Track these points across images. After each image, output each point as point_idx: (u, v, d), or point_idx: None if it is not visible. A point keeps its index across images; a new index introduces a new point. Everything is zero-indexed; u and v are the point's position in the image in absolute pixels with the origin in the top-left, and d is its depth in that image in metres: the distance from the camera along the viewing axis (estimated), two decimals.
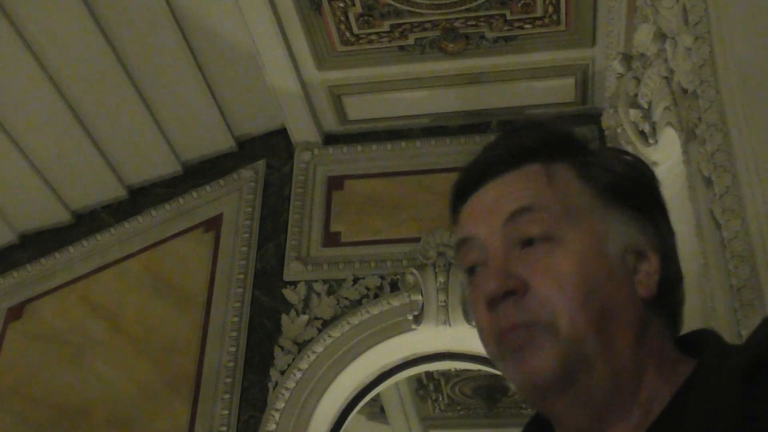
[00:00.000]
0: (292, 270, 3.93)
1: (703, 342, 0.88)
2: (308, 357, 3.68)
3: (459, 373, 6.42)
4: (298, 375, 3.66)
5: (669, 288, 0.92)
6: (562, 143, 0.95)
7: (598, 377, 0.84)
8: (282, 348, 3.75)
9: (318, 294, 3.85)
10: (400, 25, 3.74)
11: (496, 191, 0.92)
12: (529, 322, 0.84)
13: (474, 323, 0.98)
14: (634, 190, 0.94)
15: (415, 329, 3.68)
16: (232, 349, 3.76)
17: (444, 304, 3.63)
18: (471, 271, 0.92)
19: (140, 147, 4.28)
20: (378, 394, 4.68)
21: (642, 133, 2.99)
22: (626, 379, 0.85)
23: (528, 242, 0.88)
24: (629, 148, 3.17)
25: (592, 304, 0.85)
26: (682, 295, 0.94)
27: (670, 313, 0.92)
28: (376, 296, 3.80)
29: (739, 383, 0.75)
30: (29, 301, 4.16)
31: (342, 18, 3.70)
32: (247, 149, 4.41)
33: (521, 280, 0.86)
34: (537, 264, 0.86)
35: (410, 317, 3.68)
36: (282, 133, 4.33)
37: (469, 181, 0.95)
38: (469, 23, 3.72)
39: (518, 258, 0.87)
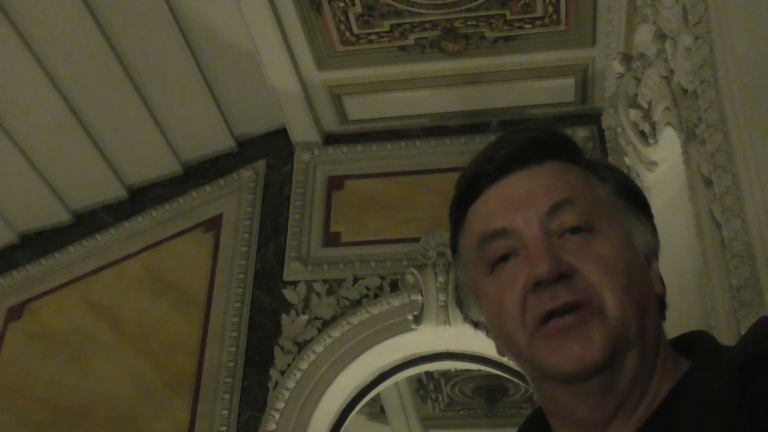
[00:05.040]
0: (292, 270, 3.93)
1: (697, 343, 0.90)
2: (308, 357, 3.68)
3: (459, 373, 6.42)
4: (298, 375, 3.66)
5: (664, 297, 0.95)
6: (574, 146, 0.97)
7: (631, 363, 0.85)
8: (282, 348, 3.75)
9: (318, 294, 3.85)
10: (400, 25, 3.74)
11: (526, 183, 0.91)
12: (579, 302, 0.84)
13: (478, 313, 0.96)
14: (642, 197, 0.97)
15: (415, 329, 3.68)
16: (232, 349, 3.76)
17: (444, 304, 3.63)
18: (501, 260, 0.90)
19: (140, 147, 4.28)
20: (378, 394, 4.68)
21: (642, 133, 2.99)
22: (646, 370, 0.86)
23: (569, 231, 0.88)
24: (629, 149, 3.17)
25: (633, 290, 0.86)
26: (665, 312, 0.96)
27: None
28: (376, 296, 3.80)
29: (732, 381, 0.76)
30: (29, 301, 4.16)
31: (342, 18, 3.70)
32: (247, 149, 4.41)
33: (569, 265, 0.86)
34: (580, 250, 0.87)
35: (410, 317, 3.68)
36: (282, 133, 4.33)
37: (488, 173, 0.93)
38: (469, 23, 3.72)
39: (559, 245, 0.87)
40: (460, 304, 1.00)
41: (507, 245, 0.89)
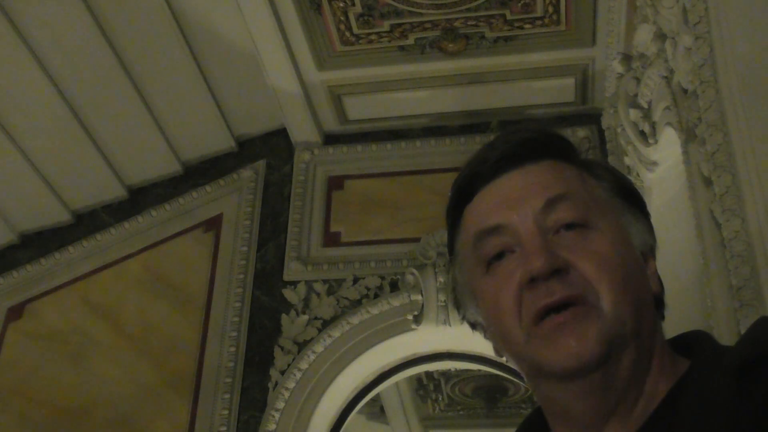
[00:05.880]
0: (292, 270, 3.93)
1: (696, 343, 0.89)
2: (308, 357, 3.68)
3: (459, 373, 6.42)
4: (298, 375, 3.66)
5: (662, 295, 0.94)
6: (569, 146, 0.97)
7: (627, 360, 0.84)
8: (282, 348, 3.75)
9: (318, 294, 3.85)
10: (400, 25, 3.74)
11: (521, 181, 0.91)
12: (575, 297, 0.83)
13: (476, 313, 0.96)
14: (638, 196, 0.97)
15: (415, 329, 3.68)
16: (232, 349, 3.76)
17: (444, 304, 3.63)
18: (496, 258, 0.90)
19: (140, 147, 4.28)
20: (378, 394, 4.68)
21: (642, 133, 2.99)
22: (642, 368, 0.86)
23: (564, 227, 0.88)
24: (629, 149, 3.17)
25: (629, 287, 0.86)
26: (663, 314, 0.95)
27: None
28: (376, 296, 3.80)
29: (731, 381, 0.76)
30: (29, 301, 4.16)
31: (342, 18, 3.70)
32: (247, 149, 4.41)
33: (564, 260, 0.85)
34: (576, 246, 0.86)
35: (410, 317, 3.68)
36: (282, 133, 4.33)
37: (483, 173, 0.93)
38: (469, 23, 3.72)
39: (555, 241, 0.87)
40: (458, 304, 0.99)
41: (502, 242, 0.89)
